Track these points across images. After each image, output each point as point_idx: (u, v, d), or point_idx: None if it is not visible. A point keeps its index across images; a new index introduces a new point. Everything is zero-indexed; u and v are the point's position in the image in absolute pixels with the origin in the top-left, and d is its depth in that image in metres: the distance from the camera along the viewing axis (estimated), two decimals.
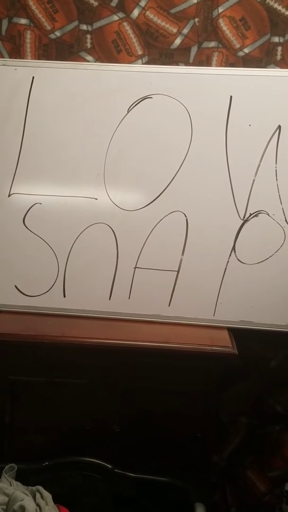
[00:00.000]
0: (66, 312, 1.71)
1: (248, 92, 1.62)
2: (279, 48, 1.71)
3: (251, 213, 1.65)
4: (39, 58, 1.77)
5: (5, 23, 1.76)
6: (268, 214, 1.64)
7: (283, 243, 1.64)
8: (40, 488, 1.45)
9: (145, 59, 1.75)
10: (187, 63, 1.74)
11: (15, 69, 1.68)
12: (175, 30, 1.72)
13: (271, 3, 1.67)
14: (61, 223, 1.69)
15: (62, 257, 1.70)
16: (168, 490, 1.64)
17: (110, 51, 1.75)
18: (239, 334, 1.65)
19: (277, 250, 1.65)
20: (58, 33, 1.76)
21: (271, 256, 1.66)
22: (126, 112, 1.65)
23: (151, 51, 1.74)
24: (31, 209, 1.69)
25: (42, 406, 1.68)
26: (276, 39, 1.70)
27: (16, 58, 1.77)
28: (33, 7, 1.73)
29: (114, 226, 1.68)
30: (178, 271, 1.68)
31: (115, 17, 1.73)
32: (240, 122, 1.63)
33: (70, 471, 1.62)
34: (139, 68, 1.69)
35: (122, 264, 1.69)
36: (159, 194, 1.66)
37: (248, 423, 1.99)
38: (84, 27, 1.74)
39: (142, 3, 1.70)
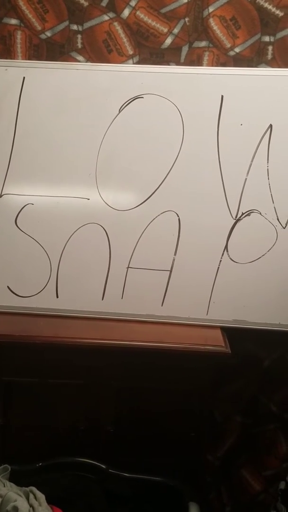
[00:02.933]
0: (59, 312, 1.71)
1: (239, 92, 1.62)
2: (270, 48, 1.71)
3: (243, 212, 1.65)
4: (29, 59, 1.77)
5: None
6: (260, 213, 1.64)
7: (275, 242, 1.65)
8: (34, 489, 1.45)
9: (136, 59, 1.75)
10: (178, 63, 1.74)
11: (6, 70, 1.67)
12: (165, 30, 1.72)
13: (261, 2, 1.67)
14: (54, 224, 1.69)
15: (55, 257, 1.69)
16: (163, 489, 1.64)
17: (101, 51, 1.75)
18: (232, 333, 1.66)
19: (270, 249, 1.65)
20: (48, 33, 1.75)
21: (263, 255, 1.66)
22: (118, 112, 1.65)
23: (142, 51, 1.74)
24: (23, 210, 1.69)
25: (35, 406, 1.68)
26: (266, 39, 1.70)
27: (6, 58, 1.76)
28: (23, 7, 1.73)
29: (106, 226, 1.68)
30: (170, 271, 1.68)
31: (106, 17, 1.73)
32: (231, 122, 1.63)
33: (64, 471, 1.62)
34: (130, 68, 1.69)
35: (115, 264, 1.69)
36: (151, 193, 1.66)
37: (243, 422, 2.00)
38: (74, 27, 1.74)
39: (133, 3, 1.70)
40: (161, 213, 1.66)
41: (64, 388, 1.65)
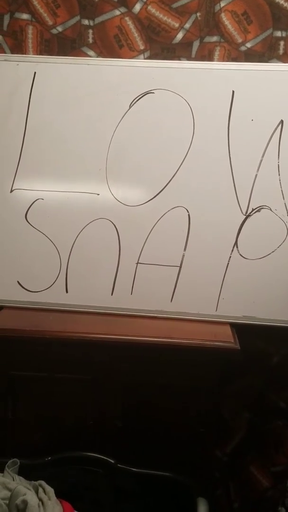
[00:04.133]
0: (68, 307, 1.72)
1: (250, 87, 1.61)
2: (282, 43, 1.70)
3: (254, 208, 1.64)
4: (41, 53, 1.77)
5: (6, 18, 1.76)
6: (270, 209, 1.64)
7: (285, 238, 1.64)
8: (43, 482, 1.46)
9: (147, 54, 1.74)
10: (189, 58, 1.74)
11: (17, 65, 1.67)
12: (177, 25, 1.72)
13: None
14: (63, 219, 1.69)
15: (64, 252, 1.70)
16: (171, 485, 1.64)
17: (112, 46, 1.75)
18: (241, 330, 1.66)
19: (280, 245, 1.65)
20: (60, 28, 1.75)
21: (273, 251, 1.65)
22: (128, 107, 1.65)
23: (153, 46, 1.74)
24: (33, 205, 1.70)
25: (44, 401, 1.69)
26: (278, 34, 1.69)
27: (18, 53, 1.76)
28: (35, 2, 1.73)
29: (116, 221, 1.68)
30: (180, 267, 1.68)
31: (117, 12, 1.72)
32: (242, 117, 1.62)
33: (72, 466, 1.62)
34: (141, 63, 1.68)
35: (124, 260, 1.69)
36: (161, 189, 1.66)
37: (251, 418, 1.99)
38: (86, 22, 1.74)
39: None
40: (171, 209, 1.66)
41: (73, 383, 1.66)
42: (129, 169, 1.67)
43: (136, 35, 1.73)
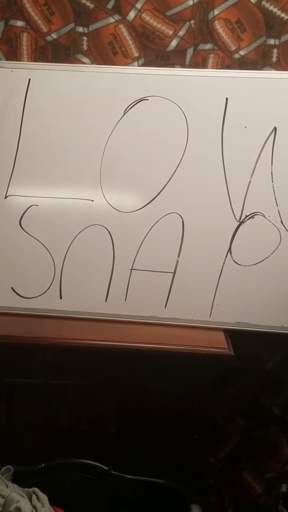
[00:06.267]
0: (63, 313, 1.71)
1: (244, 94, 1.62)
2: (275, 50, 1.71)
3: (247, 214, 1.65)
4: (35, 60, 1.77)
5: (1, 25, 1.76)
6: (264, 216, 1.64)
7: (279, 245, 1.65)
8: (36, 490, 1.45)
9: (141, 61, 1.75)
10: (183, 65, 1.75)
11: (12, 71, 1.68)
12: (171, 32, 1.73)
13: (267, 5, 1.68)
14: (58, 225, 1.69)
15: (59, 259, 1.70)
16: (165, 491, 1.64)
17: (106, 53, 1.76)
18: (235, 336, 1.66)
19: (273, 252, 1.65)
20: (54, 35, 1.76)
21: (267, 257, 1.66)
22: (123, 114, 1.65)
23: (147, 53, 1.75)
24: (27, 211, 1.70)
25: (38, 408, 1.68)
26: (271, 41, 1.71)
27: (12, 60, 1.77)
28: (30, 9, 1.73)
29: (110, 227, 1.68)
30: (174, 273, 1.68)
31: (111, 19, 1.73)
32: (236, 124, 1.63)
33: (66, 473, 1.62)
34: (135, 70, 1.69)
35: (119, 266, 1.69)
36: (155, 195, 1.66)
37: (245, 424, 1.99)
38: (80, 29, 1.75)
39: (138, 6, 1.71)
40: (165, 215, 1.67)
41: (67, 389, 1.65)
42: (123, 175, 1.67)
43: (130, 42, 1.74)
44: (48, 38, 1.76)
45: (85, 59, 1.77)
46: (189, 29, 1.72)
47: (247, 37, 1.71)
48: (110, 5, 1.72)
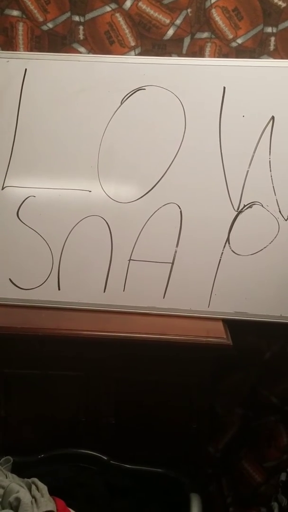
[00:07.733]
0: (61, 305, 1.71)
1: (241, 83, 1.62)
2: (272, 39, 1.70)
3: (245, 204, 1.65)
4: (31, 50, 1.76)
5: None
6: (262, 205, 1.64)
7: (277, 234, 1.64)
8: (36, 480, 1.45)
9: (138, 50, 1.74)
10: (180, 54, 1.74)
11: (8, 61, 1.67)
12: (168, 21, 1.71)
13: None
14: (55, 216, 1.69)
15: (57, 250, 1.69)
16: (164, 481, 1.64)
17: (102, 42, 1.74)
18: (233, 326, 1.66)
19: (271, 241, 1.65)
20: (50, 25, 1.75)
21: (265, 247, 1.66)
22: (120, 104, 1.65)
23: (144, 42, 1.73)
24: (24, 202, 1.69)
25: (36, 398, 1.68)
26: (269, 30, 1.70)
27: (8, 50, 1.76)
28: None
29: (108, 218, 1.68)
30: (172, 263, 1.68)
31: (108, 8, 1.72)
32: (233, 113, 1.62)
33: (66, 463, 1.62)
34: (132, 60, 1.68)
35: (117, 257, 1.69)
36: (153, 186, 1.66)
37: (243, 414, 2.00)
38: (76, 18, 1.73)
39: None
40: (163, 206, 1.66)
41: (65, 380, 1.65)
42: (121, 166, 1.67)
43: (127, 31, 1.73)
44: (44, 28, 1.75)
45: (82, 49, 1.75)
46: (186, 18, 1.71)
47: (244, 25, 1.70)
48: None
